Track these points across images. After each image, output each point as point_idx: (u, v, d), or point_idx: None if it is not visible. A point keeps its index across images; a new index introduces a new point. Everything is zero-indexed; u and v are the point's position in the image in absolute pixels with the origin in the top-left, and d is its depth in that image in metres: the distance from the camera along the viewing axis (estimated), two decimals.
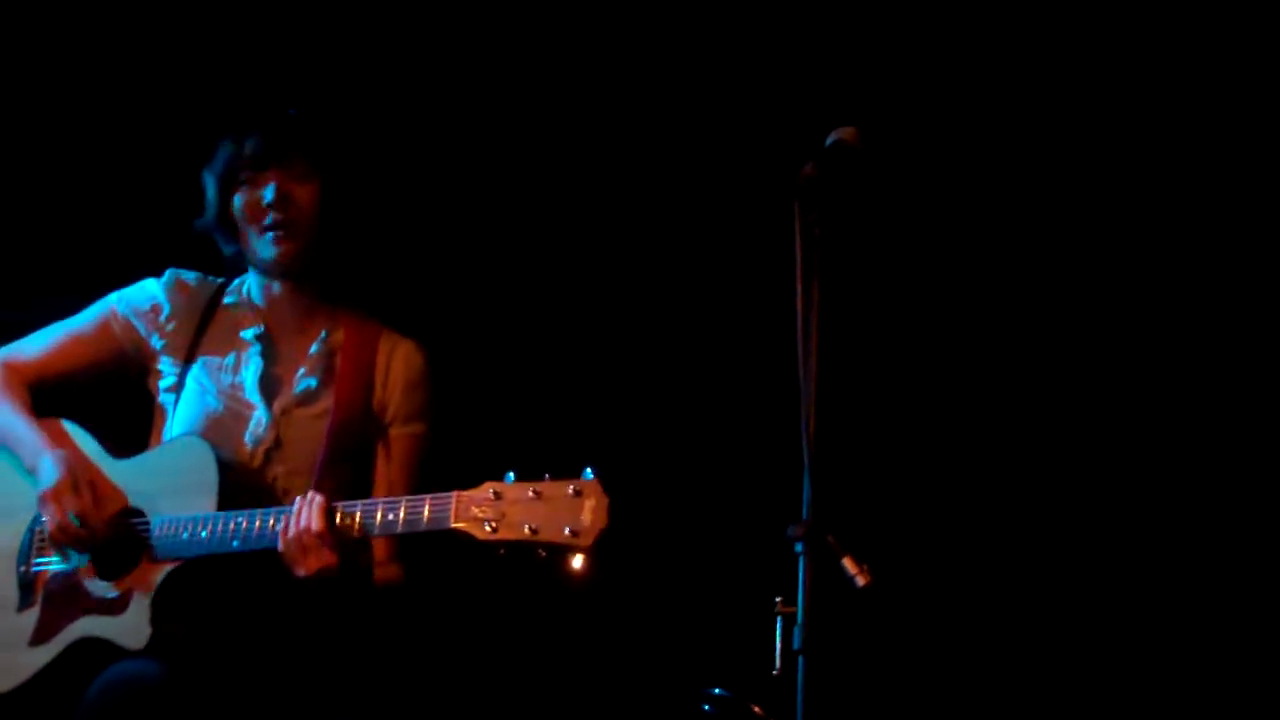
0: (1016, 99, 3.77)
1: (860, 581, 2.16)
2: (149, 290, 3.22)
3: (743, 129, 3.84)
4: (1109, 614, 3.63)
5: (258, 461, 3.10)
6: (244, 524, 2.91)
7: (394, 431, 3.18)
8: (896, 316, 3.82)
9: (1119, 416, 3.67)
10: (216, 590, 2.96)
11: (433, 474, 3.20)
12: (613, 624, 3.88)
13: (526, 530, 2.75)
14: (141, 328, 3.20)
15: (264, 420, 3.13)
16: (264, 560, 2.90)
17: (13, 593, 3.09)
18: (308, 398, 3.16)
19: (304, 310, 3.19)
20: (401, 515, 2.85)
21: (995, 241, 3.82)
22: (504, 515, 2.77)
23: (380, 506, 2.88)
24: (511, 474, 2.81)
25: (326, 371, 3.17)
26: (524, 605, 3.85)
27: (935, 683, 3.79)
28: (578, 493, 2.75)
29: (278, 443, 3.12)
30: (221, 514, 2.92)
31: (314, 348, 3.19)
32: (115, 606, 2.97)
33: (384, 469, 3.18)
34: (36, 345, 3.21)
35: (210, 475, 2.98)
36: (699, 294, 3.89)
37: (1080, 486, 3.72)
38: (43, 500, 3.00)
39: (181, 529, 2.94)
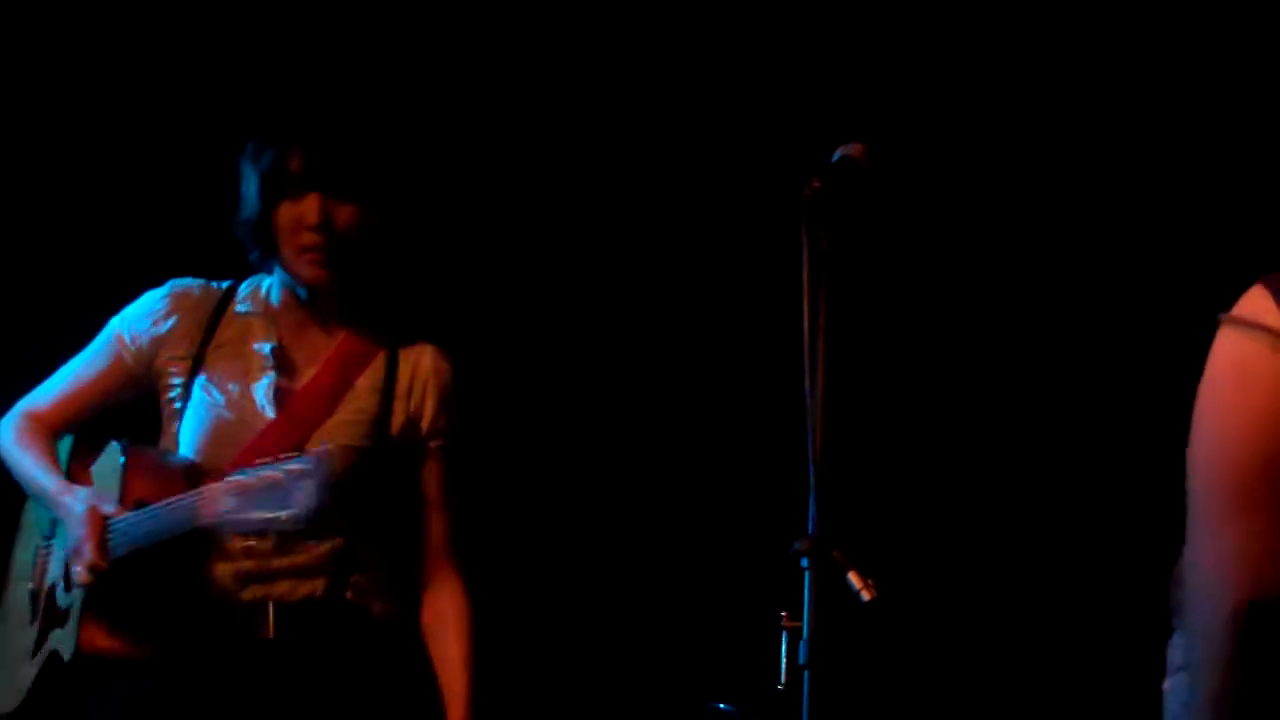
0: (1022, 113, 3.78)
1: (866, 596, 2.16)
2: (149, 304, 3.10)
3: (748, 144, 3.84)
4: (1119, 632, 3.62)
5: None
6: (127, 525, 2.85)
7: (432, 444, 3.06)
8: (903, 331, 3.82)
9: (1129, 435, 3.67)
10: (138, 598, 2.91)
11: None
12: (616, 637, 3.88)
13: (256, 516, 2.71)
14: (146, 345, 3.08)
15: None
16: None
17: (25, 607, 3.10)
18: None
19: (322, 319, 3.07)
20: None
21: (1003, 256, 3.82)
22: (248, 504, 2.72)
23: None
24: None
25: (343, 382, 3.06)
26: (525, 616, 3.85)
27: (941, 698, 3.79)
28: (300, 473, 2.69)
29: None
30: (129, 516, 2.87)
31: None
32: (63, 617, 2.96)
33: (426, 485, 3.07)
34: (52, 390, 3.13)
35: (114, 480, 2.94)
36: (704, 308, 3.90)
37: (1091, 505, 3.72)
38: (70, 556, 2.97)
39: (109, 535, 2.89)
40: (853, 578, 2.15)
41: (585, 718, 3.86)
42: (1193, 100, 3.64)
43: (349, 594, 2.96)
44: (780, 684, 2.25)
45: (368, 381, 3.03)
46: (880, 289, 3.70)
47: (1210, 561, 1.98)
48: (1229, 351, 2.03)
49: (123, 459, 2.94)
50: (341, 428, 2.98)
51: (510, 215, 3.98)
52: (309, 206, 2.92)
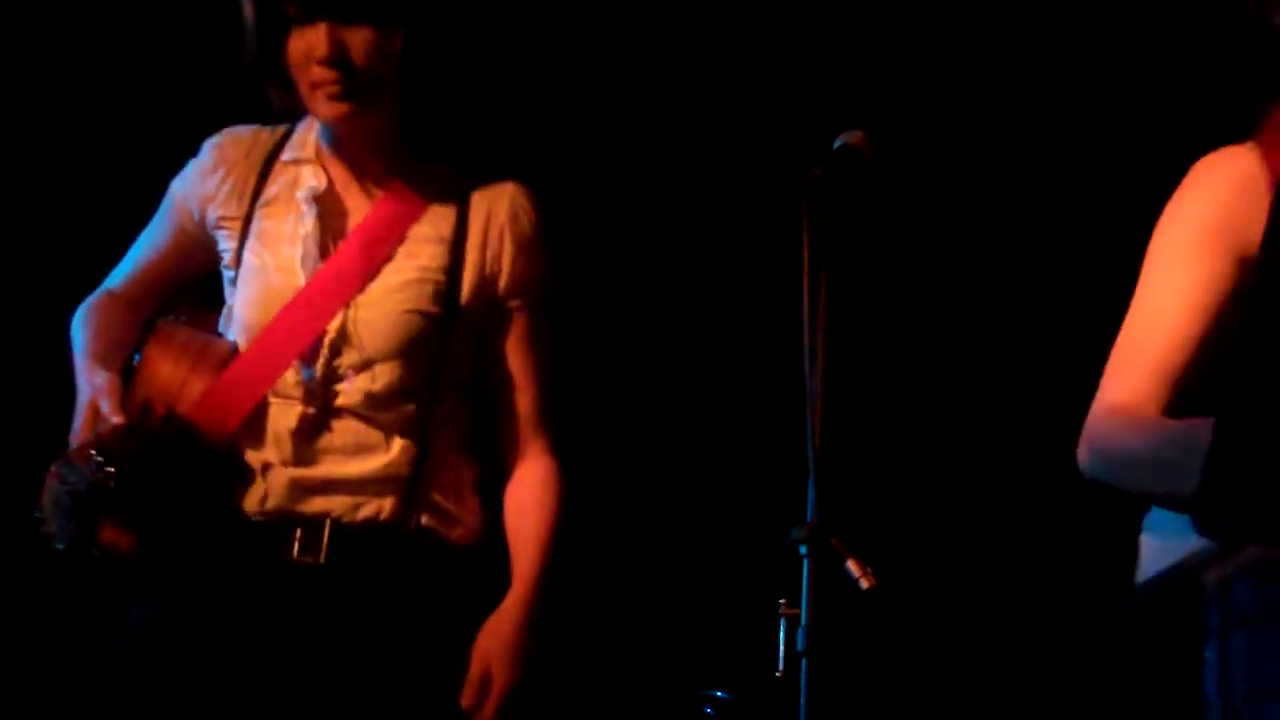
0: (1024, 101, 3.78)
1: (865, 584, 2.16)
2: (200, 156, 2.69)
3: (750, 132, 3.84)
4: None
5: (321, 355, 2.54)
6: None
7: (513, 304, 2.62)
8: (904, 318, 3.82)
9: None
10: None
11: None
12: (614, 624, 3.88)
13: None
14: (197, 205, 2.66)
15: None
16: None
17: None
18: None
19: (376, 161, 2.62)
20: None
21: (1003, 244, 3.82)
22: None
23: None
24: None
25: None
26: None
27: (939, 686, 3.79)
28: None
29: (340, 329, 2.55)
30: None
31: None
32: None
33: (510, 355, 2.63)
34: (126, 265, 2.73)
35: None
36: (704, 295, 3.90)
37: (1092, 492, 3.72)
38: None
39: None
40: (851, 566, 2.16)
41: (583, 705, 3.86)
42: (1196, 79, 3.65)
43: (424, 518, 2.55)
44: (778, 672, 2.25)
45: (429, 230, 2.58)
46: (881, 276, 3.70)
47: None
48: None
49: (140, 348, 2.59)
50: (391, 293, 2.54)
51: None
52: (317, 37, 2.48)
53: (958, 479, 3.80)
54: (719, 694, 3.36)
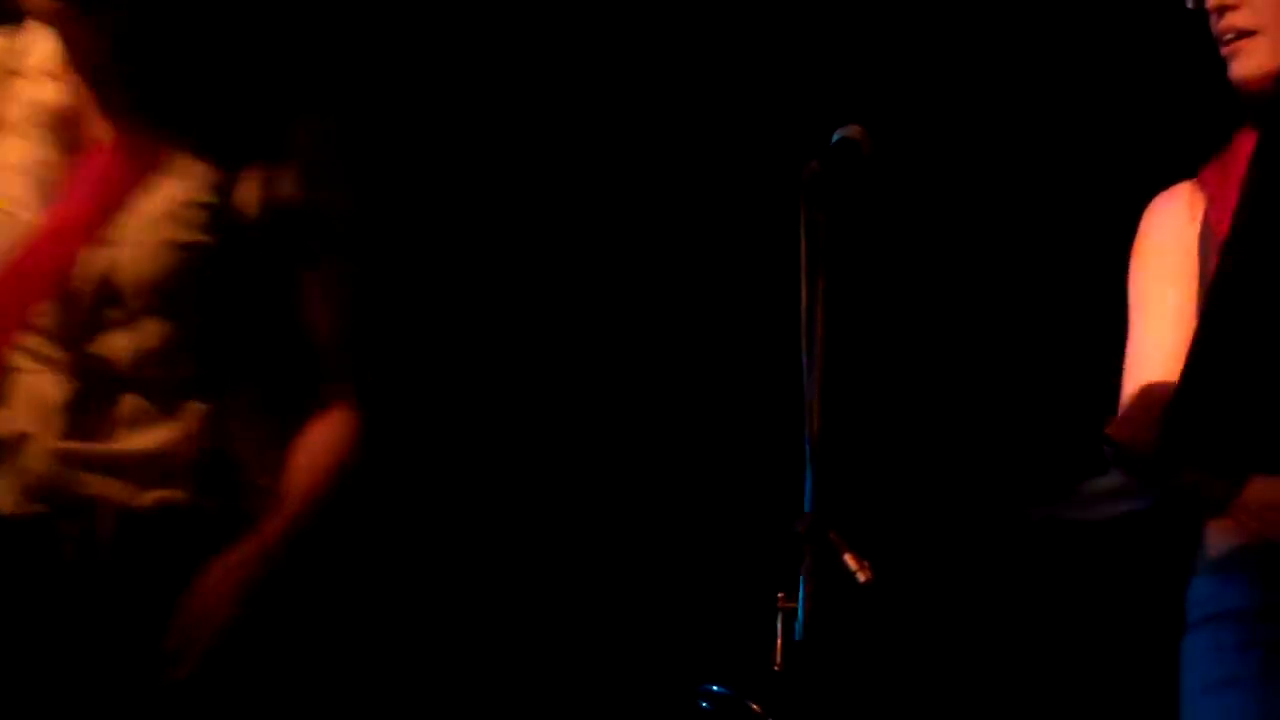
0: (1023, 94, 3.78)
1: (862, 578, 2.16)
2: None
3: (747, 126, 3.84)
4: (1119, 612, 3.63)
5: (72, 306, 2.12)
6: None
7: (305, 237, 2.18)
8: (902, 312, 3.82)
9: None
10: None
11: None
12: (610, 619, 3.88)
13: None
14: None
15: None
16: None
17: None
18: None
19: (124, 81, 2.17)
20: None
21: (1003, 236, 3.82)
22: None
23: None
24: None
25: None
26: (518, 597, 3.85)
27: (937, 679, 3.79)
28: None
29: (93, 273, 2.13)
30: None
31: None
32: None
33: (309, 300, 2.19)
34: None
35: None
36: (702, 288, 3.89)
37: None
38: None
39: None
40: (848, 559, 2.16)
41: (579, 699, 3.86)
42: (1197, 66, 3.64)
43: (225, 497, 2.14)
44: (776, 665, 2.26)
45: (194, 150, 2.13)
46: (879, 269, 3.70)
47: None
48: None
49: None
50: (151, 223, 2.09)
51: (502, 194, 3.97)
52: None
53: (956, 471, 3.80)
54: (716, 688, 3.35)
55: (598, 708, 3.82)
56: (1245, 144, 2.38)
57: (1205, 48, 2.45)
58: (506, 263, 3.96)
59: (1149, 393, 2.38)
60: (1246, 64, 2.35)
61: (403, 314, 3.67)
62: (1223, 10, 2.35)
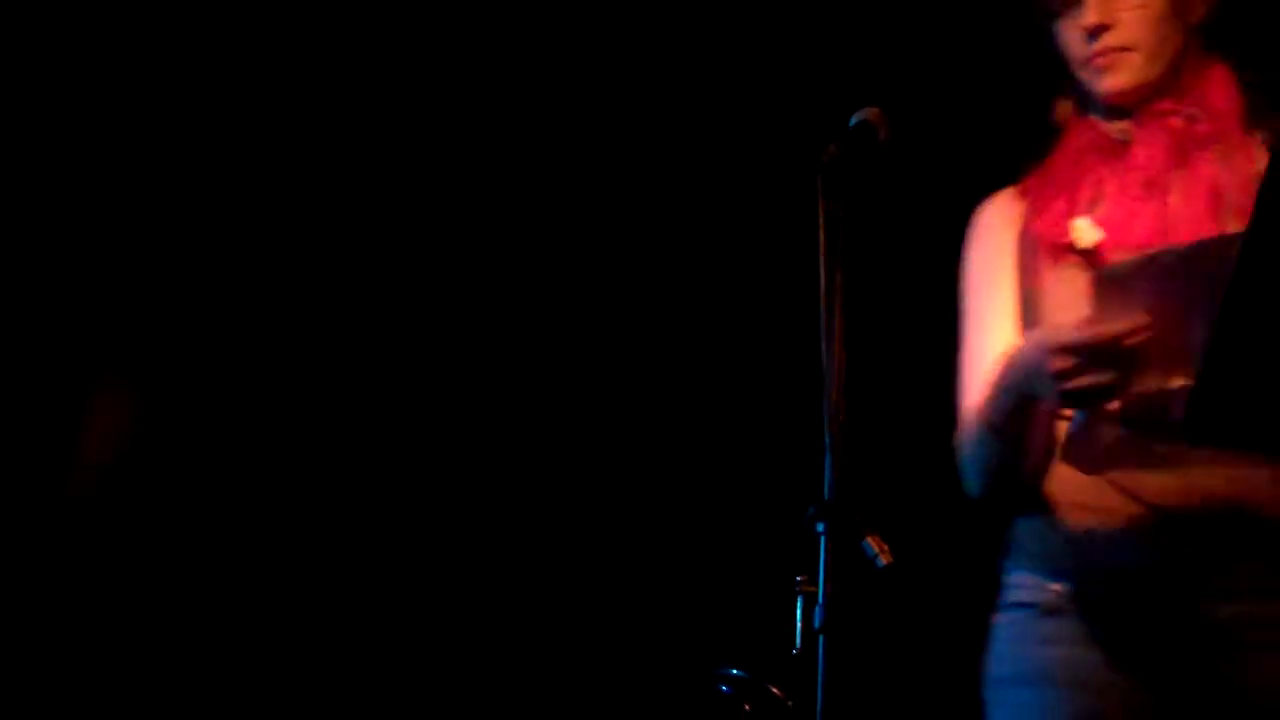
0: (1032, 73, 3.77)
1: (883, 561, 2.17)
2: None
3: (765, 110, 3.84)
4: None
5: None
6: None
7: None
8: (920, 295, 3.82)
9: None
10: None
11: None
12: (631, 602, 3.89)
13: None
14: None
15: None
16: None
17: None
18: None
19: None
20: None
21: None
22: None
23: None
24: None
25: None
26: (540, 580, 3.86)
27: (956, 663, 3.79)
28: None
29: None
30: None
31: None
32: None
33: None
34: None
35: None
36: (722, 275, 3.90)
37: None
38: None
39: None
40: (870, 542, 2.16)
41: (598, 682, 3.87)
42: None
43: None
44: (795, 649, 2.26)
45: None
46: (898, 254, 3.70)
47: None
48: None
49: None
50: None
51: (525, 183, 3.98)
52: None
53: None
54: (736, 672, 3.36)
55: (619, 692, 3.83)
56: (1066, 149, 2.60)
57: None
58: (529, 252, 3.97)
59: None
60: (1122, 77, 2.53)
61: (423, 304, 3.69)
62: (1100, 31, 2.51)
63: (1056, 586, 2.52)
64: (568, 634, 3.92)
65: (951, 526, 3.85)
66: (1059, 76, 2.64)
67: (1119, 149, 2.55)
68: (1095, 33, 2.52)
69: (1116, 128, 2.57)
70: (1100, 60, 2.53)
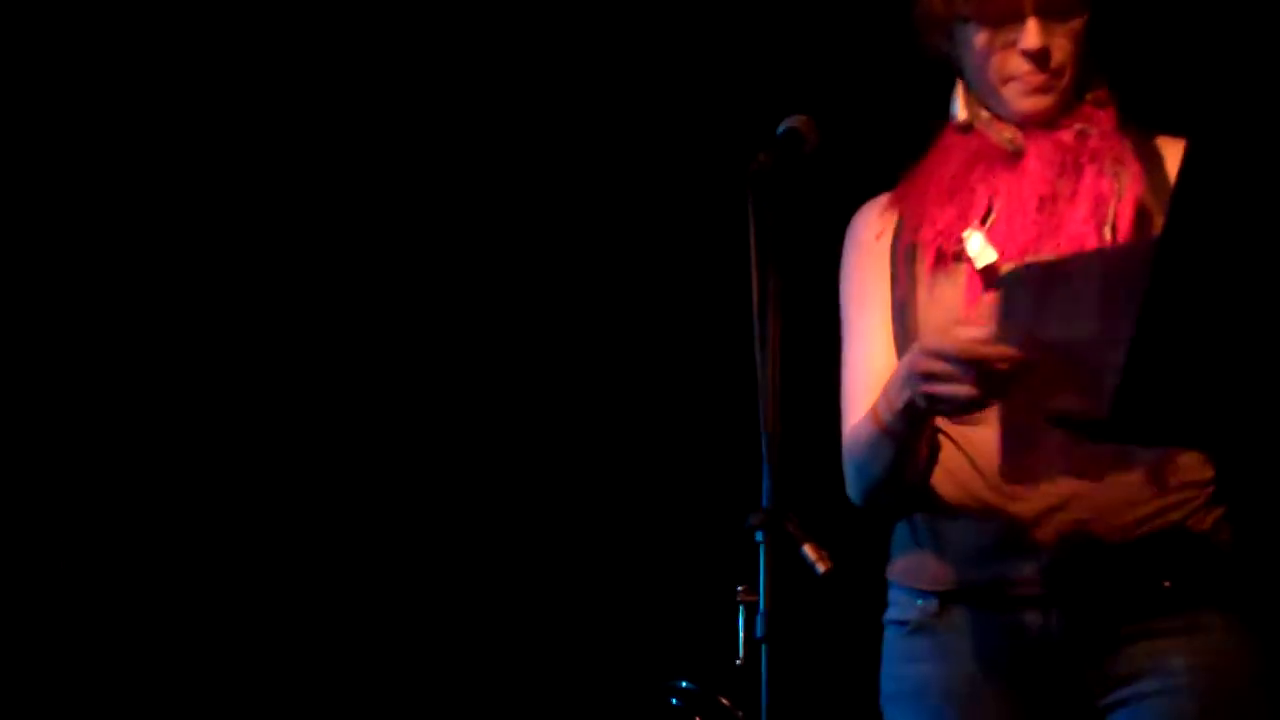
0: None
1: (821, 568, 2.17)
2: None
3: (693, 120, 3.84)
4: None
5: None
6: None
7: None
8: None
9: None
10: None
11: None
12: (573, 616, 3.88)
13: None
14: None
15: None
16: None
17: None
18: None
19: None
20: None
21: None
22: None
23: None
24: None
25: None
26: (482, 597, 3.85)
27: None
28: None
29: None
30: None
31: None
32: None
33: None
34: None
35: None
36: (654, 283, 3.90)
37: None
38: None
39: None
40: (808, 550, 2.16)
41: (544, 697, 3.86)
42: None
43: None
44: (739, 659, 2.26)
45: None
46: (830, 260, 3.71)
47: None
48: None
49: None
50: None
51: (455, 197, 3.97)
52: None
53: None
54: (686, 684, 3.36)
55: (566, 707, 3.82)
56: (948, 156, 2.61)
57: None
58: (458, 267, 3.96)
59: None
60: (1048, 100, 2.55)
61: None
62: (1042, 55, 2.51)
63: (921, 604, 2.57)
64: (513, 651, 3.91)
65: (888, 530, 3.87)
66: (937, 78, 2.65)
67: (1009, 158, 2.56)
68: (1038, 57, 2.51)
69: (1005, 137, 2.57)
70: (1033, 81, 2.53)
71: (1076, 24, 2.52)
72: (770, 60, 3.81)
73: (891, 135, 3.77)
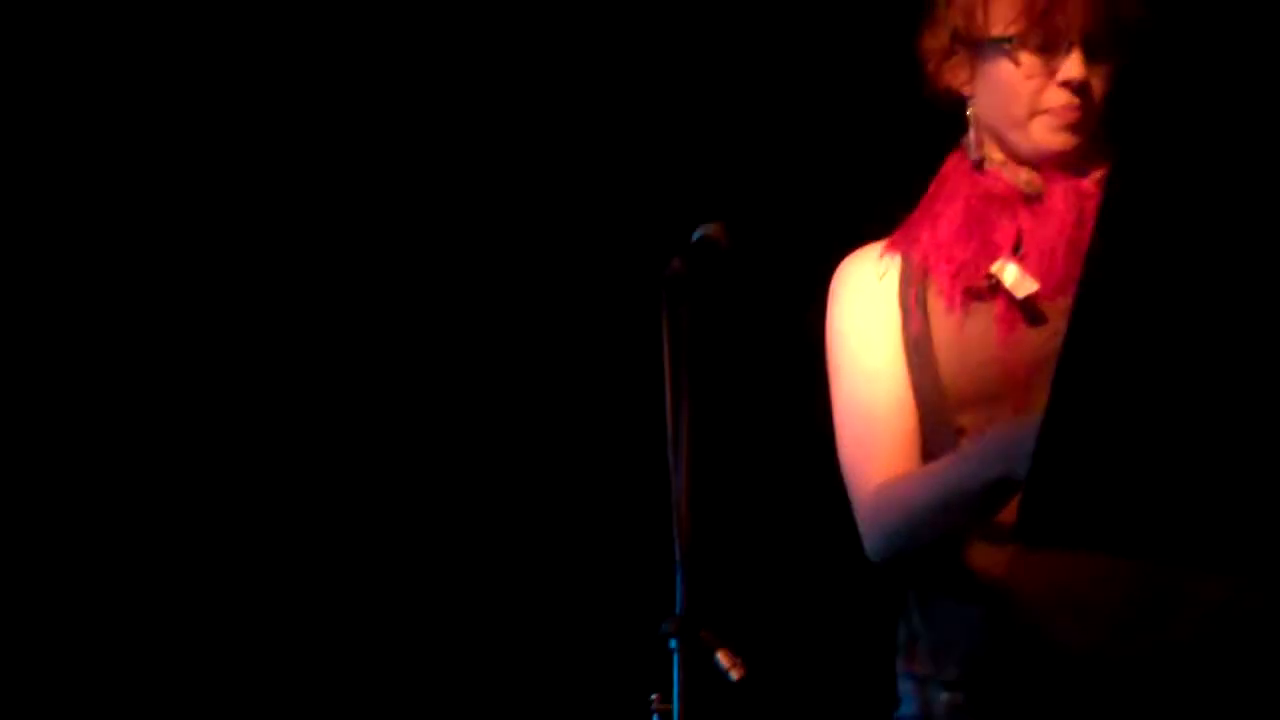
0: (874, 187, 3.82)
1: (735, 675, 2.15)
2: None
3: (607, 226, 3.85)
4: None
5: None
6: None
7: None
8: (767, 405, 3.83)
9: None
10: None
11: None
12: None
13: None
14: None
15: None
16: None
17: None
18: None
19: None
20: None
21: None
22: None
23: None
24: None
25: None
26: (391, 706, 3.81)
27: None
28: None
29: None
30: None
31: None
32: None
33: None
34: None
35: None
36: (565, 387, 3.89)
37: None
38: None
39: None
40: (721, 657, 2.15)
41: None
42: None
43: None
44: None
45: None
46: (744, 365, 3.71)
47: None
48: None
49: None
50: None
51: (371, 283, 3.96)
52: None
53: (826, 565, 3.80)
54: None
55: None
56: (956, 197, 2.51)
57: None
58: (364, 348, 3.94)
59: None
60: (1078, 138, 2.45)
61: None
62: (1088, 89, 2.43)
63: (946, 696, 2.47)
64: None
65: (804, 635, 3.86)
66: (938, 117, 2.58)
67: (1027, 200, 2.46)
68: (1080, 89, 2.42)
69: (1022, 179, 2.48)
70: (1068, 116, 2.43)
71: (1114, 66, 2.43)
72: (688, 161, 3.83)
73: (808, 235, 3.82)
